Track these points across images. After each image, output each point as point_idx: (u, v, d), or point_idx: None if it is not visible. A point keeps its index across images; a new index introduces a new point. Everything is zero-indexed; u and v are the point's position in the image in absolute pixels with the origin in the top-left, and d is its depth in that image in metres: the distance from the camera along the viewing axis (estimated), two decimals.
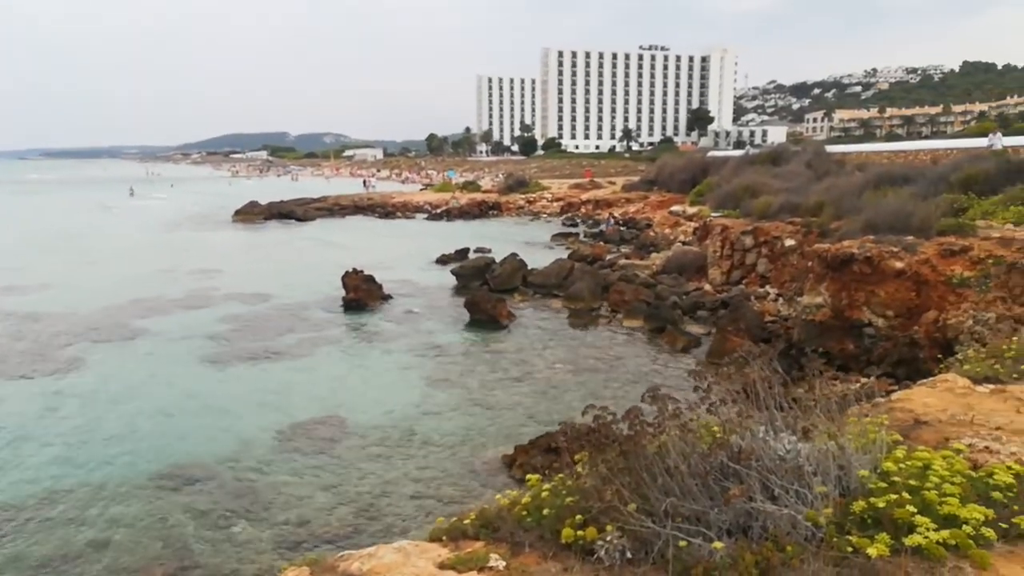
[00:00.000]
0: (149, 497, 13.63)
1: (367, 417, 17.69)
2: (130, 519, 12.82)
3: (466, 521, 5.23)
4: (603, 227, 56.87)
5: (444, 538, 5.10)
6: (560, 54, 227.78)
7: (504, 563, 4.46)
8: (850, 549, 4.01)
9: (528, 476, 5.64)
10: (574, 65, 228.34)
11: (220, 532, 12.35)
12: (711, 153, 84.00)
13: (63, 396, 19.30)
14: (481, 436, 16.42)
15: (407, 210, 76.38)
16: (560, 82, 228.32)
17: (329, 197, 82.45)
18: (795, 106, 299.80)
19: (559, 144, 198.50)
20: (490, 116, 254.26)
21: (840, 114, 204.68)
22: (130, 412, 18.11)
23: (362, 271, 31.29)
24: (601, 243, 48.04)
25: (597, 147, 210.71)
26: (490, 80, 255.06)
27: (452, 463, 14.92)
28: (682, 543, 4.19)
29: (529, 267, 34.38)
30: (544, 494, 5.29)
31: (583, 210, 69.42)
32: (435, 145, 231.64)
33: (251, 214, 69.47)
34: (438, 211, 73.39)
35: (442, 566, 4.51)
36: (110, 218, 75.25)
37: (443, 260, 41.82)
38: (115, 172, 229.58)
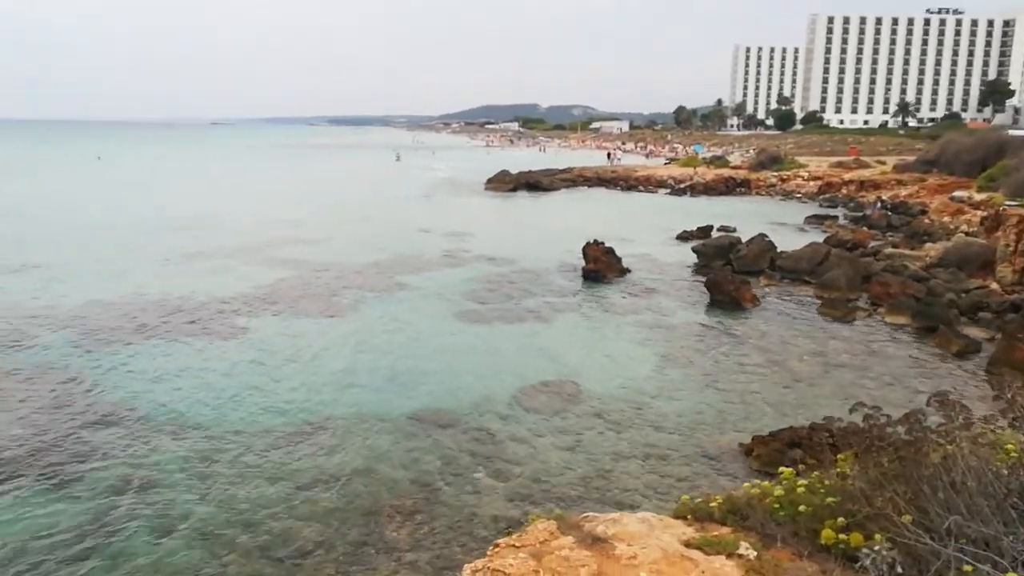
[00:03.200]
0: (402, 435, 15.05)
1: (601, 387, 17.96)
2: (385, 452, 14.27)
3: (712, 504, 5.12)
4: (867, 211, 51.95)
5: (689, 517, 5.04)
6: (830, 20, 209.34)
7: (755, 553, 4.30)
8: None
9: (781, 469, 5.37)
10: (845, 32, 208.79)
11: (462, 477, 13.31)
12: (1010, 132, 72.57)
13: (338, 337, 21.89)
14: (716, 420, 15.95)
15: (650, 184, 75.58)
16: (827, 51, 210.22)
17: (574, 168, 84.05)
18: None
19: (820, 118, 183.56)
20: (745, 88, 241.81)
21: None
22: (390, 356, 20.08)
23: (602, 243, 31.58)
24: (864, 228, 43.92)
25: (866, 122, 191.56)
26: (748, 50, 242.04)
27: (684, 444, 14.69)
28: (967, 568, 3.74)
29: (778, 249, 32.46)
30: (800, 490, 5.00)
31: (844, 191, 63.90)
32: (683, 118, 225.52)
33: (501, 182, 72.94)
34: (682, 186, 71.74)
35: (688, 544, 4.46)
36: (377, 181, 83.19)
37: (684, 237, 40.88)
38: (385, 139, 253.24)
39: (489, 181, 73.99)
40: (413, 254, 35.21)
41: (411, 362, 19.64)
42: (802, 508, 4.71)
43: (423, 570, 10.45)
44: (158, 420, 15.54)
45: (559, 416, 16.09)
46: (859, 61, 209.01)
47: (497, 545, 4.23)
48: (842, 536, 4.27)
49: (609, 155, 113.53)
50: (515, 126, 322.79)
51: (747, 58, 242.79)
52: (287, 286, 28.26)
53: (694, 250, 34.26)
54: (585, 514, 4.97)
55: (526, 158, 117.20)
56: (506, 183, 72.64)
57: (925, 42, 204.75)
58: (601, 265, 30.42)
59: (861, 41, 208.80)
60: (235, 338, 21.43)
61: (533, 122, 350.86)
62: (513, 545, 4.13)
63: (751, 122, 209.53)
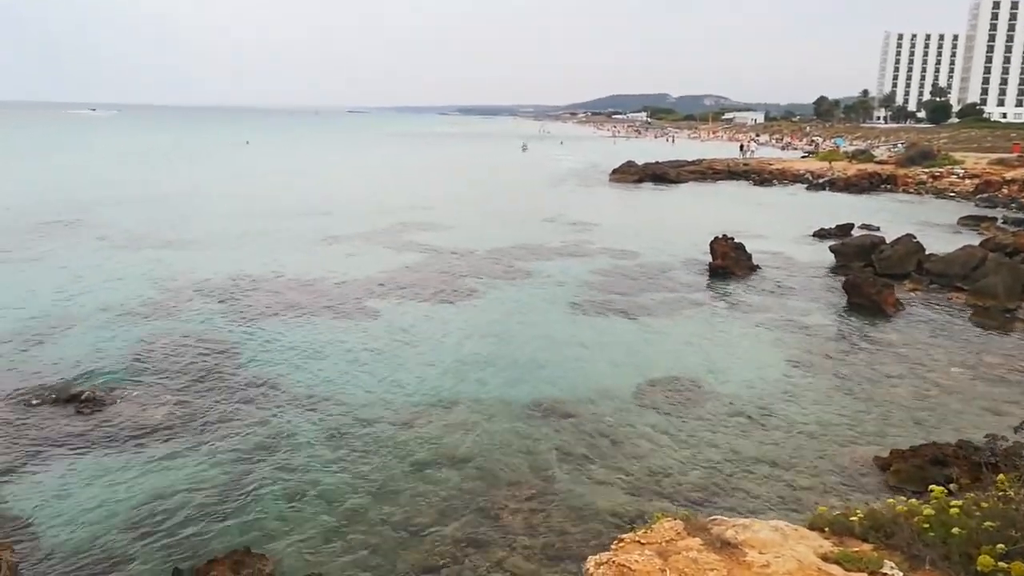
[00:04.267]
0: (520, 422, 15.18)
1: (724, 387, 17.39)
2: (504, 437, 14.44)
3: (852, 518, 4.81)
4: None
5: (826, 529, 4.76)
6: (995, 4, 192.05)
7: (900, 574, 4.01)
8: None
9: (931, 487, 4.97)
10: (1012, 18, 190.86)
11: (578, 468, 13.28)
12: None
13: (462, 321, 22.36)
14: (850, 430, 15.06)
15: (785, 178, 72.26)
16: (991, 38, 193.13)
17: (703, 160, 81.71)
18: None
19: (980, 111, 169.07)
20: (894, 78, 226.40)
21: None
22: (511, 343, 20.31)
23: (731, 238, 30.52)
24: None
25: None
26: (899, 37, 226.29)
27: (813, 453, 13.97)
28: None
29: (927, 252, 30.20)
30: (952, 511, 4.62)
31: (1005, 191, 58.60)
32: (824, 109, 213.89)
33: (626, 174, 71.95)
34: (820, 181, 68.14)
35: (825, 558, 4.21)
36: (504, 170, 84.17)
37: (821, 235, 38.82)
38: (513, 128, 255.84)
39: (614, 172, 73.20)
40: (536, 243, 35.40)
41: (531, 350, 19.77)
42: (955, 530, 4.34)
43: (536, 557, 10.51)
44: (292, 392, 16.46)
45: (680, 415, 15.72)
46: None
47: (621, 540, 4.16)
48: (1001, 564, 3.90)
49: (742, 147, 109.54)
50: (643, 116, 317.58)
51: (898, 46, 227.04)
52: (414, 270, 29.14)
53: (832, 249, 32.47)
54: (713, 517, 4.81)
55: (653, 149, 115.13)
56: (631, 174, 71.60)
57: None
58: (729, 261, 29.42)
59: None
60: (365, 319, 22.33)
61: (662, 112, 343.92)
62: (638, 541, 4.04)
63: (900, 114, 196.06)
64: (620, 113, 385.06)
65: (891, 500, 5.17)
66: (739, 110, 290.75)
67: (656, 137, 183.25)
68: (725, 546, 4.19)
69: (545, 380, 17.61)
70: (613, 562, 3.75)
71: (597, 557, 3.92)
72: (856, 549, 4.37)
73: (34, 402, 15.35)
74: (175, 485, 12.31)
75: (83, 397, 15.39)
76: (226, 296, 24.21)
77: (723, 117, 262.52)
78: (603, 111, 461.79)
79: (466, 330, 21.45)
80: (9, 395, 15.69)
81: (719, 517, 4.85)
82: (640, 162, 76.07)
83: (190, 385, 16.61)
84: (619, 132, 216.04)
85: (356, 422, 14.96)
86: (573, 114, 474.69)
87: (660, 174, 71.47)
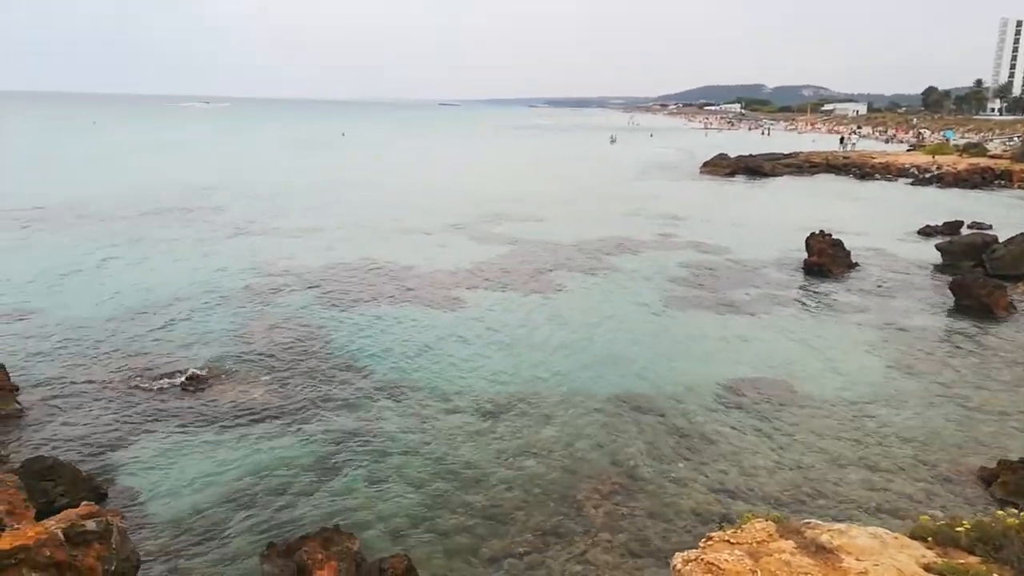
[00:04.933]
0: (604, 416, 15.09)
1: (818, 389, 16.77)
2: (587, 431, 14.40)
3: (958, 529, 4.56)
4: None
5: (929, 539, 4.53)
6: None
7: None
8: None
9: None
10: None
11: (662, 463, 13.10)
12: None
13: (547, 313, 22.39)
14: (952, 439, 14.27)
15: (888, 172, 68.86)
16: None
17: (800, 153, 78.80)
18: None
19: None
20: (1012, 67, 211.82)
21: None
22: (596, 337, 20.19)
23: (829, 234, 29.33)
24: None
25: None
26: (1019, 24, 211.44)
27: (913, 460, 13.30)
28: None
29: None
30: None
31: None
32: (933, 100, 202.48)
33: (718, 166, 70.19)
34: (927, 176, 64.56)
35: (928, 568, 4.01)
36: (592, 162, 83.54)
37: (927, 232, 36.81)
38: (602, 120, 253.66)
39: (705, 165, 71.54)
40: (623, 236, 35.03)
41: (616, 344, 19.61)
42: None
43: (617, 551, 10.45)
44: (380, 377, 16.90)
45: (769, 415, 15.27)
46: None
47: (710, 538, 4.08)
48: None
49: (842, 139, 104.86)
50: (736, 108, 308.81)
51: (1017, 32, 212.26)
52: (502, 262, 29.36)
53: (938, 248, 30.75)
54: (807, 520, 4.66)
55: (747, 141, 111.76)
56: (723, 167, 69.80)
57: None
58: (826, 259, 28.29)
59: None
60: (452, 308, 22.67)
61: (757, 103, 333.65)
62: (728, 541, 3.96)
63: (1017, 106, 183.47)
64: (712, 104, 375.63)
65: (1000, 512, 4.88)
66: (840, 101, 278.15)
67: (750, 129, 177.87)
68: (820, 551, 4.05)
69: (630, 374, 17.44)
70: (702, 560, 3.69)
71: (685, 554, 3.86)
72: (962, 561, 4.15)
73: (144, 378, 16.34)
74: (269, 463, 12.86)
75: (188, 375, 16.29)
76: (320, 283, 25.06)
77: (822, 108, 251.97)
78: (695, 102, 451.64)
79: (552, 322, 21.46)
80: (122, 371, 16.76)
81: (813, 521, 4.69)
82: (733, 154, 74.02)
83: (285, 368, 17.29)
84: (711, 124, 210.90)
85: (442, 409, 15.23)
86: (664, 105, 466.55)
87: (754, 167, 69.35)
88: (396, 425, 14.46)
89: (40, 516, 8.78)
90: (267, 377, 16.66)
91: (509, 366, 17.82)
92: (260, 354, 18.16)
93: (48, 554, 7.70)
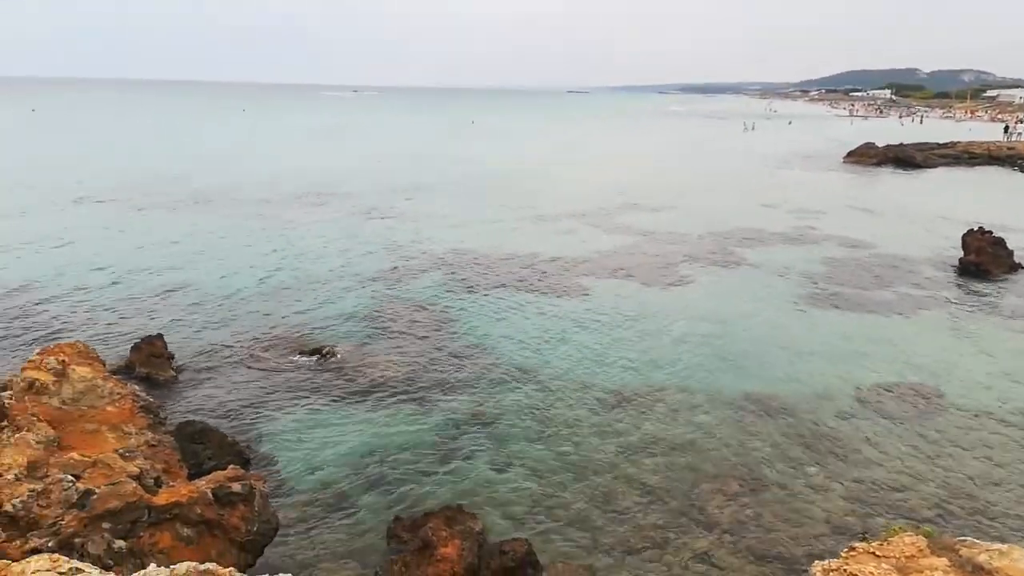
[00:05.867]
0: (731, 414, 14.58)
1: (970, 397, 15.46)
2: (713, 428, 13.96)
3: None
4: None
5: None
6: None
7: None
8: None
9: None
10: None
11: (792, 467, 12.50)
12: None
13: (673, 306, 21.90)
14: None
15: None
16: None
17: (958, 143, 72.61)
18: None
19: None
20: None
21: None
22: (724, 332, 19.53)
23: (989, 231, 26.91)
24: None
25: None
26: None
27: None
28: None
29: None
30: None
31: None
32: None
33: (864, 156, 65.98)
34: None
35: None
36: (725, 151, 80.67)
37: None
38: (737, 107, 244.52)
39: (849, 154, 67.45)
40: (755, 228, 33.67)
41: (745, 341, 18.90)
42: None
43: (742, 553, 10.08)
44: (504, 363, 17.12)
45: (913, 424, 14.23)
46: None
47: (853, 549, 3.82)
48: None
49: (1007, 128, 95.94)
50: (886, 94, 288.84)
51: None
52: (627, 251, 28.97)
53: None
54: (962, 538, 4.28)
55: (897, 130, 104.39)
56: (870, 157, 65.52)
57: None
58: (985, 258, 25.98)
59: None
60: (575, 297, 22.61)
61: (909, 89, 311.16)
62: (872, 553, 3.69)
63: None
64: (859, 90, 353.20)
65: None
66: (1005, 87, 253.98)
67: (901, 117, 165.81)
68: (977, 571, 3.71)
69: (761, 374, 16.74)
70: (844, 570, 3.46)
71: (825, 563, 3.64)
72: None
73: (284, 351, 17.37)
74: (396, 439, 13.33)
75: (324, 351, 17.16)
76: (451, 268, 25.69)
77: (984, 95, 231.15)
78: (839, 88, 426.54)
79: (679, 315, 20.96)
80: (264, 343, 17.89)
81: (969, 539, 4.30)
82: (880, 143, 69.31)
83: (414, 348, 17.86)
84: (857, 111, 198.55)
85: (563, 398, 15.24)
86: (804, 92, 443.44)
87: (904, 157, 64.58)
88: (519, 411, 14.60)
89: (191, 476, 9.51)
90: (397, 357, 17.27)
91: (634, 358, 17.57)
92: (392, 334, 18.85)
93: (199, 512, 8.33)
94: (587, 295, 22.85)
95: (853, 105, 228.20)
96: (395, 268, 25.54)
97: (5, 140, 74.08)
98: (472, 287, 23.36)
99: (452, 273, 25.00)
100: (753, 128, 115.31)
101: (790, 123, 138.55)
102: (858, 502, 11.31)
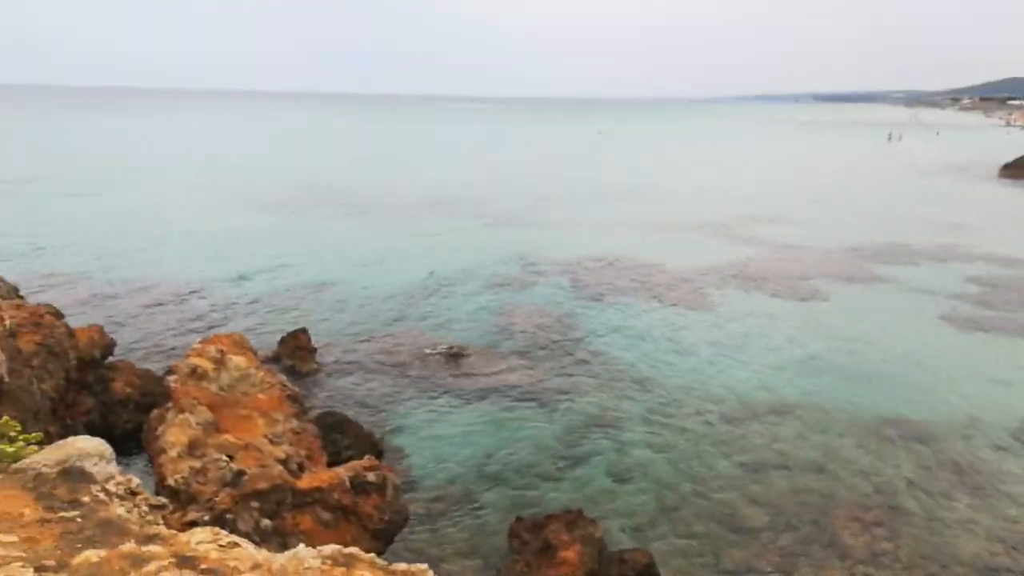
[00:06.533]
0: (867, 438, 13.80)
1: None
2: (847, 452, 13.28)
3: None
4: None
5: None
6: None
7: None
8: None
9: None
10: None
11: (936, 499, 11.70)
12: None
13: (804, 321, 21.00)
14: None
15: None
16: None
17: None
18: None
19: None
20: None
21: None
22: (860, 351, 18.53)
23: None
24: None
25: None
26: None
27: None
28: None
29: None
30: None
31: None
32: None
33: (1023, 168, 60.67)
34: None
35: None
36: (865, 162, 76.40)
37: None
38: (878, 116, 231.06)
39: (1006, 167, 62.22)
40: (899, 243, 31.71)
41: (884, 361, 17.86)
42: None
43: None
44: (625, 372, 17.01)
45: None
46: None
47: None
48: None
49: None
50: None
51: None
52: (756, 263, 28.04)
53: None
54: None
55: None
56: None
57: None
58: None
59: None
60: (700, 309, 22.14)
61: None
62: None
63: None
64: (1018, 99, 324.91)
65: None
66: None
67: None
68: None
69: (900, 397, 15.77)
70: None
71: None
72: None
73: (415, 349, 18.02)
74: (518, 441, 13.55)
75: (452, 350, 17.69)
76: (575, 275, 25.79)
77: None
78: (995, 96, 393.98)
79: (806, 331, 20.10)
80: (398, 341, 18.63)
81: None
82: None
83: (538, 352, 18.07)
84: (1015, 120, 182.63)
85: (686, 411, 14.96)
86: (955, 100, 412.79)
87: None
88: (640, 420, 14.48)
89: (329, 464, 10.08)
90: (521, 360, 17.53)
91: (761, 374, 17.01)
92: (518, 337, 19.16)
93: (337, 498, 8.82)
94: (712, 306, 22.33)
95: (1011, 115, 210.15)
96: (522, 274, 25.93)
97: (183, 147, 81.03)
98: (597, 295, 23.35)
99: (578, 280, 25.09)
100: (900, 139, 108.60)
101: (938, 134, 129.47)
102: (1013, 543, 10.45)
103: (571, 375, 16.70)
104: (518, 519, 10.27)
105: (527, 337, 19.19)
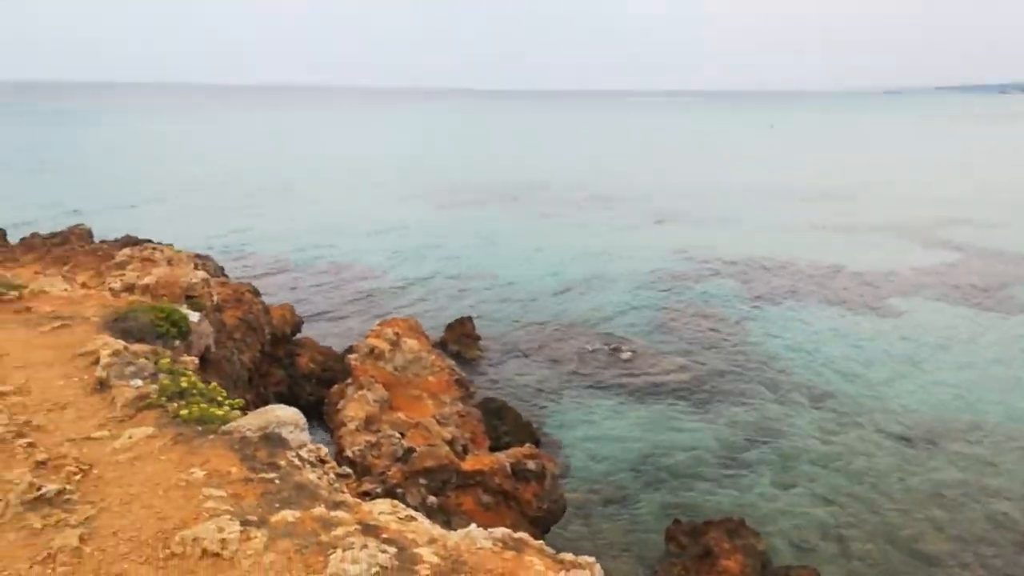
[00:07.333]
0: None
1: None
2: None
3: None
4: None
5: None
6: None
7: None
8: None
9: None
10: None
11: None
12: None
13: (1003, 335, 18.97)
14: None
15: None
16: None
17: None
18: None
19: None
20: None
21: None
22: None
23: None
24: None
25: None
26: None
27: None
28: None
29: None
30: None
31: None
32: None
33: None
34: None
35: None
36: None
37: None
38: None
39: None
40: None
41: None
42: None
43: None
44: (795, 377, 16.14)
45: None
46: None
47: None
48: None
49: None
50: None
51: None
52: (945, 270, 25.57)
53: None
54: None
55: None
56: None
57: None
58: None
59: None
60: (882, 315, 20.57)
61: None
62: None
63: None
64: None
65: None
66: None
67: None
68: None
69: None
70: None
71: None
72: None
73: (575, 342, 18.14)
74: (677, 442, 13.26)
75: (613, 346, 17.63)
76: (741, 274, 24.81)
77: None
78: None
79: (1006, 345, 18.11)
80: (558, 333, 18.85)
81: None
82: None
83: (700, 353, 17.57)
84: None
85: (861, 424, 13.96)
86: None
87: None
88: (809, 431, 13.70)
89: (491, 449, 10.39)
90: (684, 359, 17.13)
91: (951, 390, 15.53)
92: (679, 336, 18.76)
93: (498, 482, 9.08)
94: (892, 314, 20.66)
95: None
96: (685, 271, 25.31)
97: (356, 144, 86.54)
98: (763, 296, 22.33)
99: (743, 280, 24.11)
100: None
101: None
102: None
103: (737, 379, 16.09)
104: (676, 522, 10.08)
105: (691, 337, 18.71)
